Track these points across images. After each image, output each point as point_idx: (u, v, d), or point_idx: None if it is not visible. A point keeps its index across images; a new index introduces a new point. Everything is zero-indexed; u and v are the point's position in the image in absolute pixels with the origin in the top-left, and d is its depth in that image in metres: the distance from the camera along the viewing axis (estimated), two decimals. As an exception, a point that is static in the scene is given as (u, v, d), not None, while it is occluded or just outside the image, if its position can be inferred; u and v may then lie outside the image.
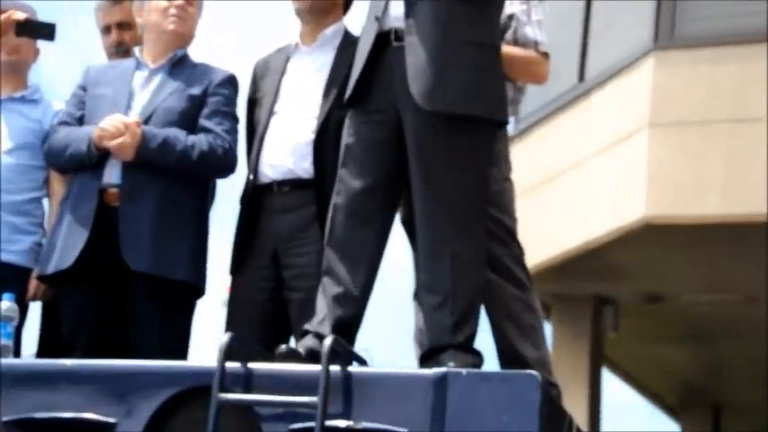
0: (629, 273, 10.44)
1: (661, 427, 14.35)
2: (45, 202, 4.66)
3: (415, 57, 3.73)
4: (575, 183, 10.21)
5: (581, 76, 10.60)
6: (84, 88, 4.52)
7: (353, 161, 3.84)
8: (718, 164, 9.42)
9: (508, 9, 4.37)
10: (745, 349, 11.87)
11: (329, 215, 3.87)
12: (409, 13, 3.78)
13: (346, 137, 3.91)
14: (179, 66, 4.49)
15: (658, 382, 13.46)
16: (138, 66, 4.50)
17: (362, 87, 3.88)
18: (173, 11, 4.44)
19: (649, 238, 9.60)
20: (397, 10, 3.86)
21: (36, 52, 4.78)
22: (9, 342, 3.81)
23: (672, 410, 13.92)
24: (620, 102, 10.00)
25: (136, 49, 4.62)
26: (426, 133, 3.72)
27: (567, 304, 11.11)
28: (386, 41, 3.85)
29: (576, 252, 10.02)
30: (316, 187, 4.29)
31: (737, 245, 9.65)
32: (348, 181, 3.83)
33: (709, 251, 9.87)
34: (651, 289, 10.81)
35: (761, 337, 11.29)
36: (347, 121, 3.94)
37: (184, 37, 4.50)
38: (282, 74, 4.48)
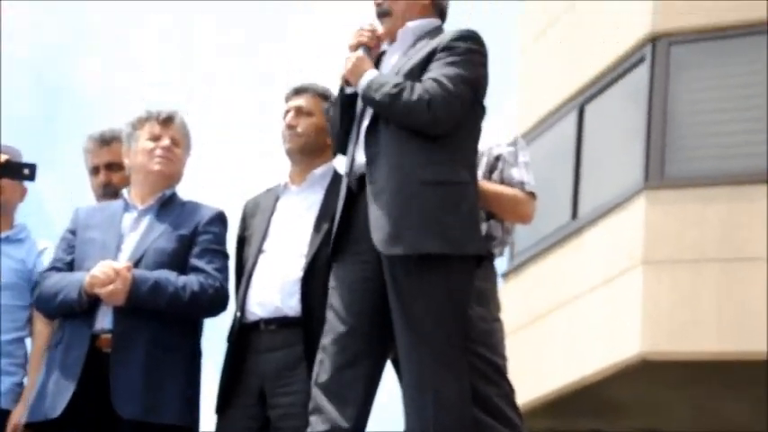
0: (625, 409, 10.36)
1: None
2: (28, 341, 4.63)
3: (377, 205, 3.81)
4: (569, 319, 10.18)
5: (574, 214, 10.64)
6: (73, 232, 4.51)
7: (339, 303, 3.89)
8: (712, 301, 9.40)
9: (495, 150, 4.43)
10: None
11: (317, 356, 3.88)
12: (370, 159, 3.88)
13: (332, 280, 3.96)
14: (168, 206, 4.49)
15: None
16: (127, 207, 4.50)
17: (342, 236, 3.95)
18: (158, 152, 4.46)
19: (645, 375, 9.55)
20: (362, 158, 3.96)
21: (22, 192, 4.79)
22: None
23: None
24: (613, 239, 10.03)
25: (124, 191, 4.61)
26: (399, 274, 3.76)
27: (564, 440, 11.02)
28: (361, 184, 3.94)
29: (572, 388, 9.95)
30: (303, 326, 4.28)
31: (732, 382, 9.59)
32: (334, 322, 3.87)
33: (705, 388, 9.80)
34: (647, 425, 10.69)
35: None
36: (333, 266, 3.98)
37: (171, 177, 4.51)
38: (272, 213, 4.51)
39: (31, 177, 4.53)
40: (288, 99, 4.61)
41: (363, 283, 3.88)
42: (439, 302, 3.75)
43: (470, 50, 3.95)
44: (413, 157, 3.83)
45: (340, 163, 4.57)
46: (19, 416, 4.33)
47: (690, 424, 10.62)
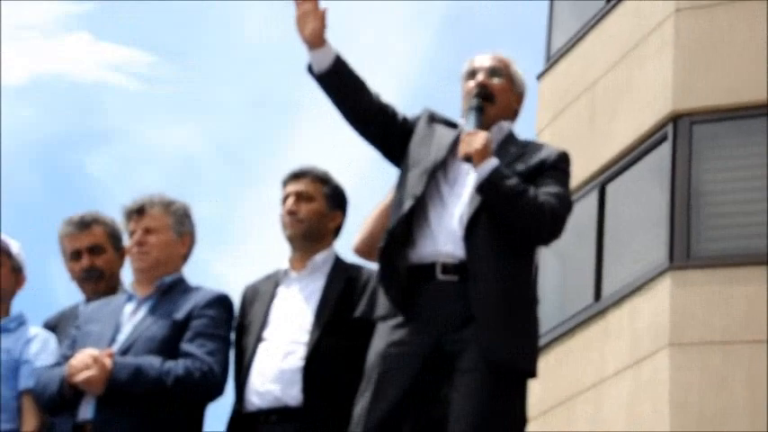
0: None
1: None
2: None
3: (486, 306, 3.80)
4: (595, 403, 10.06)
5: (597, 295, 10.56)
6: (77, 326, 4.50)
7: (385, 392, 3.83)
8: (742, 384, 9.28)
9: None
10: None
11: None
12: (471, 254, 3.84)
13: (378, 365, 3.88)
14: (169, 293, 4.45)
15: None
16: (129, 298, 4.50)
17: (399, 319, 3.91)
18: (133, 249, 4.49)
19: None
20: (437, 242, 3.91)
21: (20, 281, 4.72)
22: None
23: None
24: (638, 321, 9.93)
25: (127, 284, 4.61)
26: (483, 381, 3.76)
27: None
28: (424, 272, 3.90)
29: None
30: (304, 417, 4.17)
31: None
32: (378, 411, 3.81)
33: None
34: None
35: None
36: (377, 348, 3.90)
37: (156, 265, 4.46)
38: (271, 300, 4.43)
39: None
40: (286, 184, 4.53)
41: (413, 372, 3.83)
42: (510, 415, 3.83)
43: (568, 175, 4.08)
44: (520, 269, 3.92)
45: (341, 249, 4.56)
46: None
47: None
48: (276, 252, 4.64)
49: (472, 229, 3.85)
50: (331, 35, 4.05)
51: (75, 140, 26.25)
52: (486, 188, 3.83)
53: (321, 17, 4.00)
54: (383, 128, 4.14)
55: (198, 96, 25.50)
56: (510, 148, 4.05)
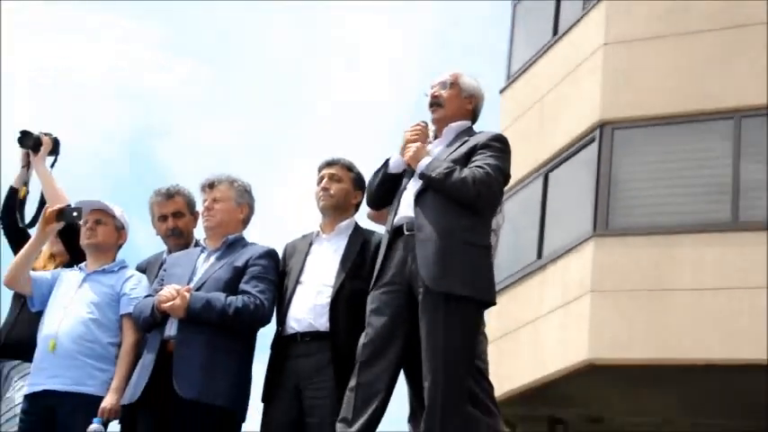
0: (576, 401, 10.22)
1: None
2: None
3: (425, 252, 3.78)
4: (534, 333, 10.07)
5: (539, 254, 10.53)
6: (164, 269, 4.50)
7: (377, 322, 3.83)
8: (642, 321, 9.28)
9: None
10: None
11: (358, 361, 3.83)
12: (418, 216, 3.86)
13: (371, 303, 3.90)
14: (231, 247, 4.43)
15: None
16: (203, 250, 4.48)
17: (382, 270, 3.93)
18: (204, 213, 4.49)
19: (591, 376, 9.42)
20: (404, 211, 3.96)
21: (122, 236, 4.68)
22: None
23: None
24: (568, 274, 9.92)
25: (201, 239, 4.59)
26: (432, 307, 3.73)
27: (529, 424, 10.86)
28: (398, 232, 3.93)
29: (537, 384, 9.82)
30: (330, 338, 4.19)
31: (658, 381, 9.48)
32: (372, 336, 3.82)
33: (637, 385, 9.67)
34: (591, 414, 10.55)
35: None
36: (372, 291, 3.92)
37: (220, 227, 4.45)
38: (307, 254, 4.43)
39: (79, 218, 4.52)
40: (321, 168, 4.53)
41: (396, 308, 3.83)
42: (458, 331, 3.72)
43: (503, 149, 4.00)
44: (458, 221, 3.84)
45: (358, 218, 4.56)
46: (108, 401, 4.23)
47: (624, 413, 10.46)
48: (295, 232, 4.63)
49: (418, 200, 3.90)
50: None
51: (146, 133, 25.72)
52: (421, 177, 3.92)
53: (424, 149, 4.04)
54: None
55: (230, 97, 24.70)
56: (460, 139, 4.06)
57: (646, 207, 9.82)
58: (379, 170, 4.21)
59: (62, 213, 4.49)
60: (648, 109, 9.93)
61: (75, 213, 4.49)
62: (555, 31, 11.37)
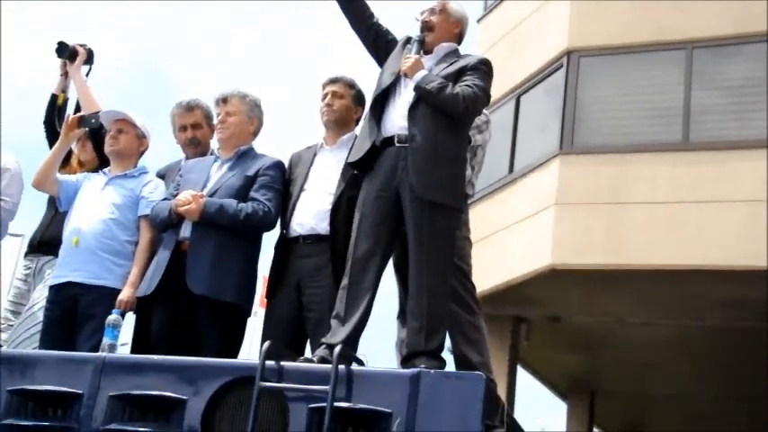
0: (538, 302, 10.35)
1: (554, 408, 14.19)
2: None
3: (417, 161, 3.75)
4: (504, 240, 10.13)
5: (510, 169, 10.54)
6: (181, 175, 4.47)
7: (366, 225, 3.80)
8: (600, 231, 9.35)
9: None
10: (615, 355, 11.80)
11: (348, 262, 3.78)
12: (411, 128, 3.81)
13: (360, 208, 3.86)
14: (243, 157, 4.40)
15: (555, 376, 13.33)
16: (216, 159, 4.46)
17: (367, 162, 3.87)
18: (218, 125, 4.45)
19: (553, 280, 9.50)
20: (395, 122, 3.89)
21: (143, 144, 4.63)
22: (116, 341, 3.72)
23: (563, 395, 13.78)
24: (536, 187, 9.93)
25: (214, 148, 4.54)
26: (419, 211, 3.72)
27: (495, 322, 10.93)
28: (388, 142, 3.87)
29: (504, 286, 9.89)
30: (330, 241, 4.19)
31: (613, 286, 9.59)
32: (361, 239, 3.79)
33: (594, 288, 9.77)
34: (552, 313, 10.70)
35: (625, 347, 11.32)
36: (361, 197, 3.87)
37: (232, 138, 4.41)
38: (311, 164, 4.41)
39: (97, 124, 4.50)
40: (325, 86, 4.47)
41: (384, 214, 3.80)
42: (441, 235, 3.72)
43: (487, 72, 3.97)
44: (445, 135, 3.82)
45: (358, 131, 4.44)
46: (125, 294, 4.22)
47: (581, 313, 10.62)
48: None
49: (412, 112, 3.84)
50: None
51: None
52: (416, 89, 3.86)
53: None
54: (376, 37, 4.14)
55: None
56: (449, 59, 4.03)
57: (607, 128, 9.79)
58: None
59: (82, 120, 4.46)
60: (612, 39, 9.85)
61: (93, 120, 4.48)
62: (528, -34, 11.20)
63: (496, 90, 10.28)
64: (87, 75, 4.89)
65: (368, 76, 4.28)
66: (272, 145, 4.61)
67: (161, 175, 4.72)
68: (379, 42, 4.14)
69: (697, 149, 9.20)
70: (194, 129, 4.70)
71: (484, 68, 3.96)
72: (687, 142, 9.30)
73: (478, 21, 11.91)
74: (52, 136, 4.75)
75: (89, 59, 4.89)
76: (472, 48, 11.19)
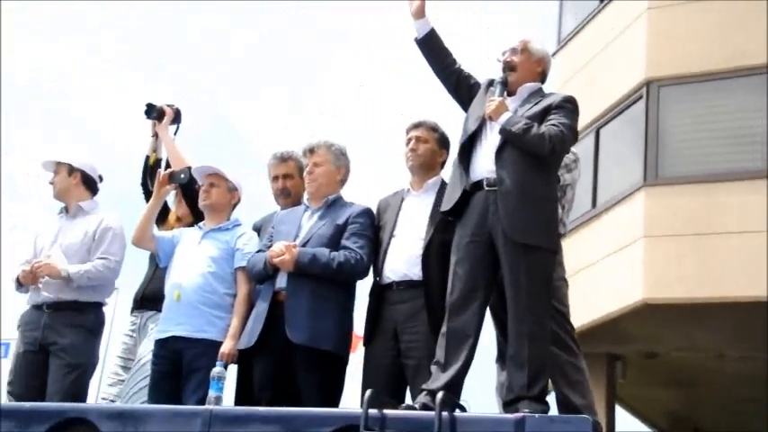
0: (633, 338, 10.16)
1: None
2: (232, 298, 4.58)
3: (508, 204, 3.76)
4: (593, 276, 9.98)
5: (594, 204, 10.42)
6: (273, 226, 4.55)
7: (462, 271, 3.83)
8: (691, 263, 9.16)
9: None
10: (716, 391, 11.53)
11: (447, 308, 3.80)
12: (500, 171, 3.84)
13: (455, 254, 3.88)
14: (332, 206, 4.47)
15: (654, 414, 13.01)
16: (306, 209, 4.53)
17: (460, 208, 3.91)
18: (306, 176, 4.52)
19: (646, 314, 9.33)
20: (483, 166, 3.92)
21: (232, 197, 4.74)
22: (221, 394, 3.80)
23: (664, 433, 13.46)
24: (622, 220, 9.81)
25: (305, 198, 4.62)
26: (514, 255, 3.73)
27: (589, 360, 10.69)
28: (478, 186, 3.90)
29: (596, 323, 9.71)
30: (424, 286, 4.21)
31: (708, 317, 9.36)
32: (458, 285, 3.81)
33: (690, 322, 9.56)
34: (648, 349, 10.49)
35: (726, 382, 11.03)
36: (455, 243, 3.90)
37: (320, 188, 4.49)
38: (399, 210, 4.45)
39: (186, 179, 4.63)
40: (408, 131, 4.53)
41: (479, 258, 3.82)
42: (538, 278, 3.72)
43: (573, 110, 3.98)
44: (534, 176, 3.82)
45: (445, 174, 4.50)
46: (227, 346, 4.31)
47: (677, 349, 10.40)
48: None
49: (499, 154, 3.86)
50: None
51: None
52: (502, 132, 3.88)
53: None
54: (458, 83, 4.18)
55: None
56: (533, 99, 4.03)
57: (690, 158, 9.63)
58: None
59: (172, 176, 4.61)
60: (690, 67, 9.74)
61: (182, 176, 4.63)
62: (600, -1, 11.22)
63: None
64: (175, 133, 5.05)
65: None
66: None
67: (257, 228, 4.82)
68: (462, 87, 4.20)
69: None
70: (285, 179, 4.80)
71: (569, 106, 3.97)
72: (775, 168, 9.09)
73: (553, 54, 11.89)
74: (148, 196, 4.91)
75: (176, 119, 5.05)
76: (549, 81, 11.16)
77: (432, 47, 4.17)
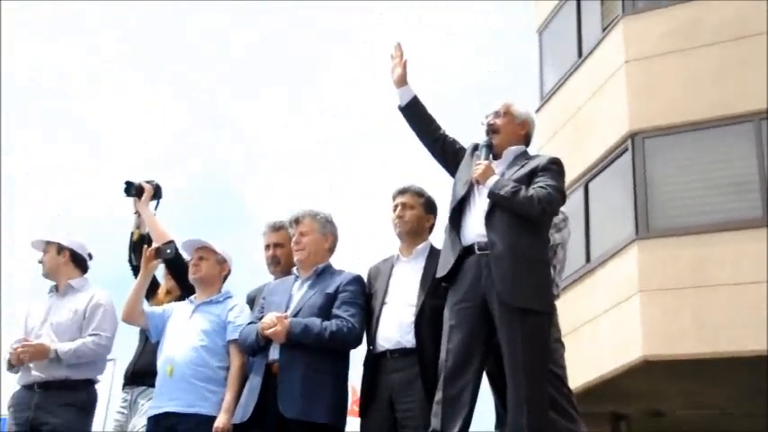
0: (635, 396, 10.05)
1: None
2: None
3: (498, 267, 3.76)
4: (592, 332, 9.94)
5: (587, 259, 10.42)
6: (264, 298, 4.54)
7: (456, 337, 3.80)
8: (689, 317, 9.09)
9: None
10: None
11: (441, 375, 3.77)
12: (490, 235, 3.84)
13: (449, 319, 3.86)
14: (321, 274, 4.47)
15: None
16: (297, 278, 4.53)
17: (452, 272, 3.91)
18: (294, 246, 4.52)
19: (646, 372, 9.24)
20: (474, 230, 3.93)
21: (222, 269, 4.73)
22: None
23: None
24: (616, 276, 9.78)
25: (294, 268, 4.61)
26: (509, 319, 3.72)
27: (592, 419, 10.63)
28: (469, 250, 3.90)
29: (596, 382, 9.64)
30: (417, 354, 4.17)
31: (710, 373, 9.27)
32: (453, 351, 3.79)
33: (692, 378, 9.46)
34: (652, 407, 10.35)
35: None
36: (448, 308, 3.88)
37: (309, 257, 4.49)
38: (389, 276, 4.44)
39: (172, 254, 4.66)
40: (395, 197, 4.54)
41: (473, 324, 3.80)
42: (534, 342, 3.70)
43: (559, 171, 4.04)
44: (525, 239, 3.82)
45: (433, 239, 4.52)
46: (221, 421, 4.26)
47: (683, 407, 10.26)
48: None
49: (489, 218, 3.87)
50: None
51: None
52: (490, 195, 3.91)
53: (404, 66, 4.10)
54: (444, 149, 4.22)
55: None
56: (518, 161, 4.07)
57: (682, 209, 9.65)
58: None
59: (158, 251, 4.62)
60: (674, 117, 9.82)
61: (168, 250, 4.65)
62: (579, 53, 11.32)
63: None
64: (156, 208, 5.06)
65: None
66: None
67: (251, 298, 4.81)
68: (447, 153, 4.23)
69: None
70: (276, 248, 4.81)
71: (555, 168, 4.00)
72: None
73: (537, 111, 12.03)
74: (135, 272, 4.90)
75: (156, 194, 5.06)
76: (535, 136, 11.22)
77: (415, 113, 4.21)
